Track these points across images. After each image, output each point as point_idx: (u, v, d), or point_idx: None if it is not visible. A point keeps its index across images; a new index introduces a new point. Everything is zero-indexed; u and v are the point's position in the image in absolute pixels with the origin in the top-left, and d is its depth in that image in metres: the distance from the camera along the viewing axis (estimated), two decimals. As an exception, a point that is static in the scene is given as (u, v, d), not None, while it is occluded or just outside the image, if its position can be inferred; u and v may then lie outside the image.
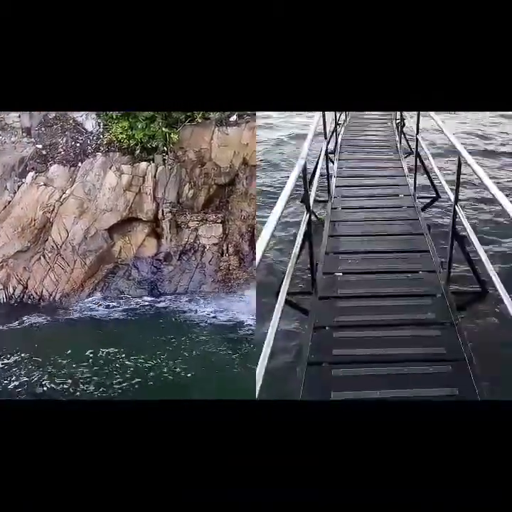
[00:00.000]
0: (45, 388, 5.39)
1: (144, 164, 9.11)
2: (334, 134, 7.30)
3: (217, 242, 9.13)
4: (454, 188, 3.53)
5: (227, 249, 9.09)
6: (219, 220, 9.21)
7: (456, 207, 3.54)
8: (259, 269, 5.42)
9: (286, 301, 2.65)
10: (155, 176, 9.11)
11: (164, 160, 9.17)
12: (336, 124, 7.58)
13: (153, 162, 9.16)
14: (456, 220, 3.56)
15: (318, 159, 5.31)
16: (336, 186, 6.04)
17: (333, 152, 7.06)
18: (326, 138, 5.70)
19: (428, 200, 6.08)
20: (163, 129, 9.10)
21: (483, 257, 2.95)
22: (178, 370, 6.51)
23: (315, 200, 4.42)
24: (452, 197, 3.65)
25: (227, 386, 5.62)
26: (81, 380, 5.74)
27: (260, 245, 2.09)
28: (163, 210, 9.11)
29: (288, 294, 2.68)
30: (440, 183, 4.66)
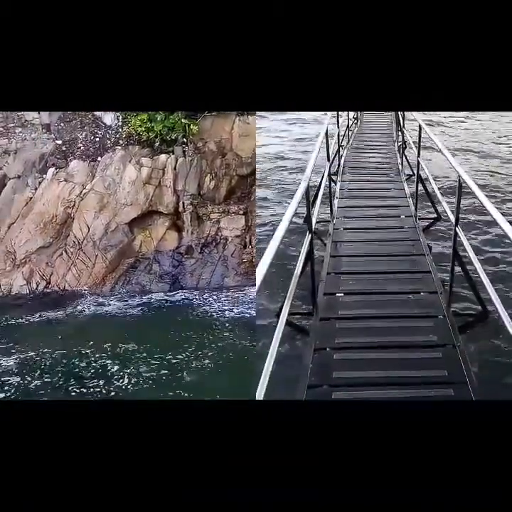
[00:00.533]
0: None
1: (163, 156, 8.99)
2: (337, 155, 7.43)
3: (240, 234, 8.93)
4: (455, 209, 3.56)
5: (250, 240, 8.86)
6: (241, 212, 9.01)
7: (456, 228, 3.54)
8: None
9: (288, 322, 2.65)
10: (175, 168, 8.97)
11: (184, 152, 9.03)
12: (339, 146, 7.72)
13: (173, 154, 9.03)
14: (457, 240, 3.58)
15: (321, 180, 5.38)
16: (338, 207, 6.07)
17: (336, 173, 7.19)
18: (328, 160, 5.71)
19: (430, 221, 6.24)
20: (183, 120, 8.96)
21: (484, 278, 2.94)
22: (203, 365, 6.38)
23: (317, 221, 4.46)
24: (453, 219, 3.66)
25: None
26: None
27: (261, 269, 1.98)
28: (183, 203, 8.96)
29: (289, 314, 2.68)
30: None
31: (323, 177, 5.50)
